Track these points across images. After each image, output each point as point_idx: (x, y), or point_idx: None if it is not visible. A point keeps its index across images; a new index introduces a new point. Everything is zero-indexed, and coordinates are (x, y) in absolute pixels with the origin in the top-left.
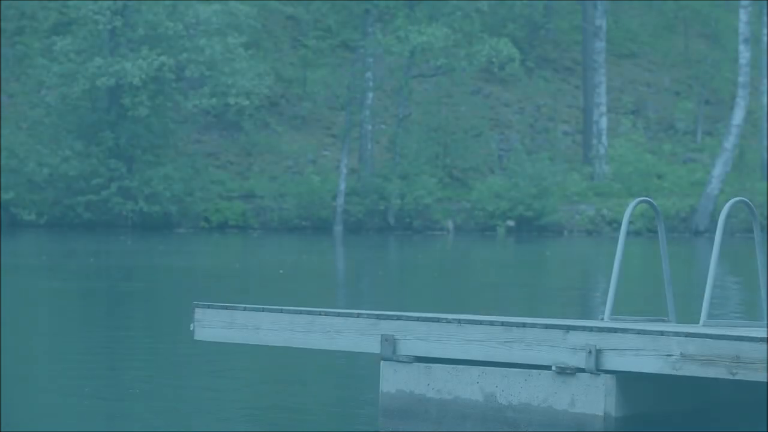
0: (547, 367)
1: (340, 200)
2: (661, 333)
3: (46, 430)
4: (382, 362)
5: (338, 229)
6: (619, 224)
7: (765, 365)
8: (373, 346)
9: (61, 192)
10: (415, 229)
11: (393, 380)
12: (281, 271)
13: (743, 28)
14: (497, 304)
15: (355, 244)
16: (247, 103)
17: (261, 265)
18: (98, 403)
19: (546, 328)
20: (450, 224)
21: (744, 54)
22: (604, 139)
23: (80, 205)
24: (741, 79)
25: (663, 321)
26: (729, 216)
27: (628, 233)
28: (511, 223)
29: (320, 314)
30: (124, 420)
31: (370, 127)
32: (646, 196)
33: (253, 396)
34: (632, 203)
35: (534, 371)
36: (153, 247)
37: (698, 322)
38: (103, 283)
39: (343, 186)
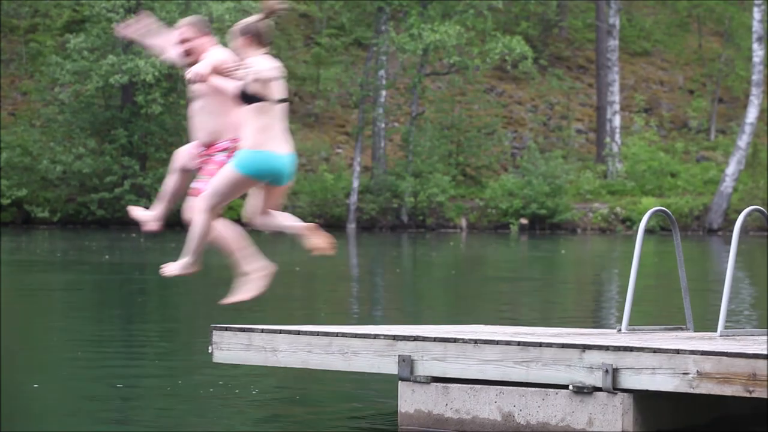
0: (564, 387)
1: (354, 198)
2: (677, 351)
3: (52, 428)
4: (399, 382)
5: (351, 227)
6: (633, 222)
7: None
8: (390, 367)
9: (75, 189)
10: (429, 227)
11: (411, 400)
12: (297, 269)
13: (757, 27)
14: (512, 305)
15: (368, 242)
16: None
17: (276, 263)
18: (103, 399)
19: (562, 347)
20: (463, 222)
21: (758, 52)
22: (617, 137)
23: (93, 203)
24: (755, 77)
25: (681, 329)
26: (744, 217)
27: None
28: (524, 221)
29: (337, 335)
30: (131, 419)
31: (383, 125)
32: (660, 194)
33: (269, 411)
34: (647, 213)
35: (551, 390)
36: (166, 245)
37: (715, 330)
38: (117, 280)
39: (356, 184)
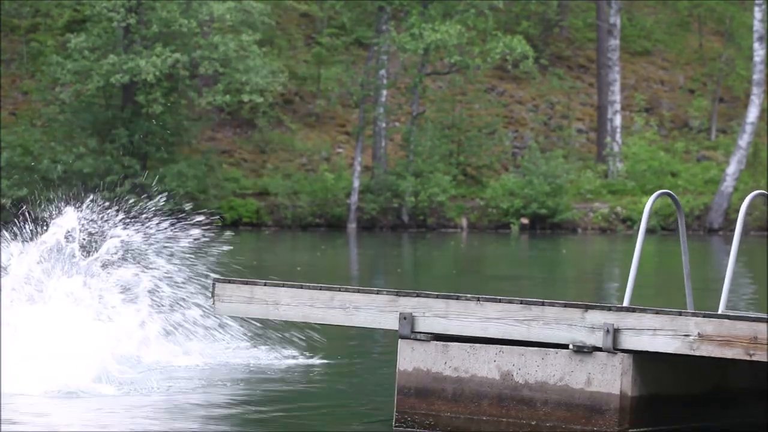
0: (565, 346)
1: (354, 198)
2: (679, 313)
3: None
4: (399, 340)
5: (352, 226)
6: (634, 222)
7: None
8: (391, 322)
9: (75, 189)
10: (429, 227)
11: (410, 358)
12: (298, 269)
13: (758, 26)
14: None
15: (369, 242)
16: (261, 100)
17: (277, 263)
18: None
19: (564, 306)
20: (464, 222)
21: (758, 52)
22: (618, 136)
23: None
24: (755, 76)
25: None
26: (750, 200)
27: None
28: (525, 220)
29: (340, 290)
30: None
31: (383, 125)
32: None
33: (266, 363)
34: (654, 195)
35: (551, 350)
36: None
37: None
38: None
39: (356, 183)
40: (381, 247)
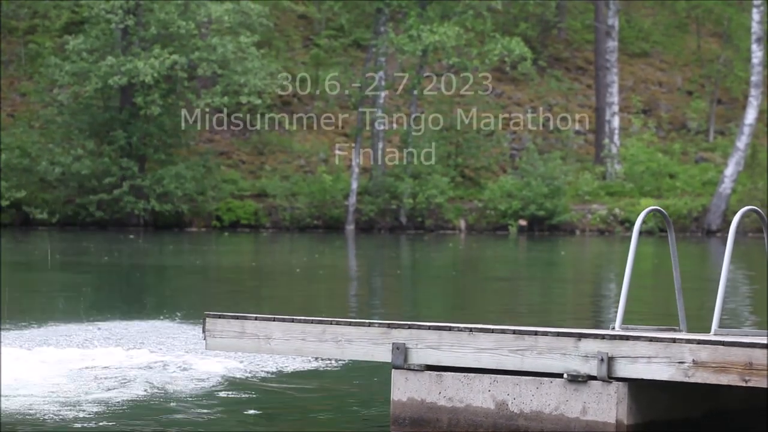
0: (559, 375)
1: (352, 199)
2: (673, 340)
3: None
4: (393, 370)
5: (350, 228)
6: (631, 224)
7: None
8: (384, 355)
9: (73, 191)
10: (427, 229)
11: (404, 388)
12: (297, 270)
13: (756, 28)
14: (511, 306)
15: (367, 244)
16: (259, 102)
17: (276, 265)
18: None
19: (558, 336)
20: (462, 223)
21: (756, 53)
22: (616, 138)
23: (92, 204)
24: (753, 78)
25: (674, 330)
26: (740, 216)
27: (641, 233)
28: (523, 222)
29: (331, 323)
30: (126, 414)
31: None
32: (658, 196)
33: (258, 396)
34: (642, 213)
35: (546, 379)
36: (164, 246)
37: (709, 331)
38: (116, 281)
39: (354, 185)
40: (379, 248)
